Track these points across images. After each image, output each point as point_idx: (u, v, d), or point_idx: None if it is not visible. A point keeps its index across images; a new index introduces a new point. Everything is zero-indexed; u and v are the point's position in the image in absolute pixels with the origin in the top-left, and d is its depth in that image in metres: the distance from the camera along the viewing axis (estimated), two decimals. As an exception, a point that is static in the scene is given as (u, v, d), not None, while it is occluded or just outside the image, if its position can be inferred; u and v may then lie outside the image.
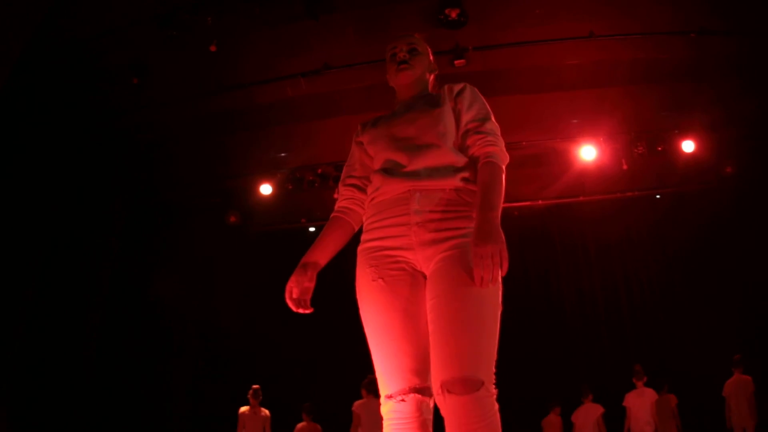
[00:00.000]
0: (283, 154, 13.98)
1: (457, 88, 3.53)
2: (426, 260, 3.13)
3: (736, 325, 13.62)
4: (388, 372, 3.05)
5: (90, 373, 12.63)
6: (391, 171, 3.30)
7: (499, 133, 3.34)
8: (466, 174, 3.22)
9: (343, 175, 3.73)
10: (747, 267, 13.71)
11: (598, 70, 11.52)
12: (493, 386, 2.84)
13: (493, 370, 2.88)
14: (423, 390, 2.99)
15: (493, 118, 3.41)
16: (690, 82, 11.85)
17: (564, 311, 15.54)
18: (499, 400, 2.88)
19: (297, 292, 3.33)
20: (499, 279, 3.00)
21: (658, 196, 15.17)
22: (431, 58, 3.77)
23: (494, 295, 2.99)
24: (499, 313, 3.01)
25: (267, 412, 12.84)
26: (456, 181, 3.19)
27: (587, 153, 12.96)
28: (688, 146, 12.79)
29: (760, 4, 9.91)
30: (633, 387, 12.85)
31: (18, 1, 8.60)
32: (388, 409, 3.03)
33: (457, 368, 2.77)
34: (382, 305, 3.12)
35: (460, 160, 3.25)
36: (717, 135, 12.94)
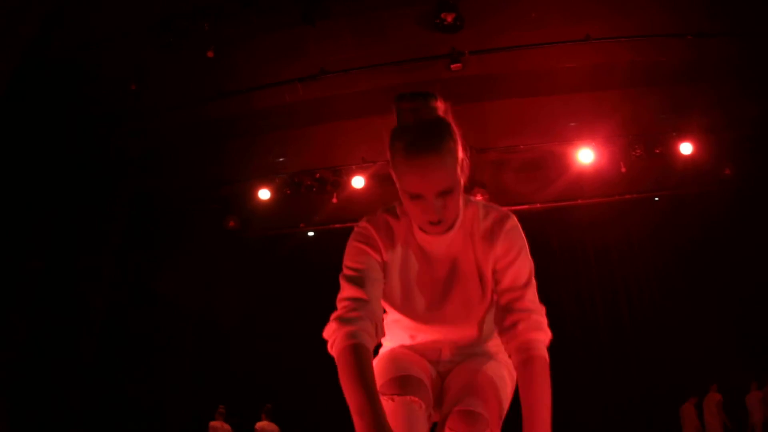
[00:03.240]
0: (281, 159, 13.99)
1: (498, 231, 2.80)
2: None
3: (736, 327, 13.63)
4: None
5: (89, 374, 12.64)
6: (415, 349, 2.99)
7: (538, 301, 2.80)
8: (496, 339, 2.93)
9: (348, 283, 2.75)
10: (747, 269, 13.69)
11: (595, 73, 11.52)
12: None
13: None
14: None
15: (533, 278, 2.81)
16: (688, 84, 11.85)
17: (563, 316, 15.47)
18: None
19: None
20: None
21: (656, 199, 15.12)
22: (460, 151, 2.65)
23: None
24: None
25: (229, 427, 14.26)
26: (488, 345, 3.02)
27: (585, 156, 12.94)
28: (686, 149, 12.76)
29: (757, 6, 9.92)
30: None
31: (16, 9, 8.61)
32: None
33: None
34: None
35: (491, 327, 2.91)
36: (715, 137, 12.91)
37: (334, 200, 13.77)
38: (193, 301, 15.28)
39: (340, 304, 2.70)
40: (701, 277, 14.55)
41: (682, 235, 14.71)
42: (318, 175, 13.67)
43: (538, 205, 14.70)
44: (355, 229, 2.88)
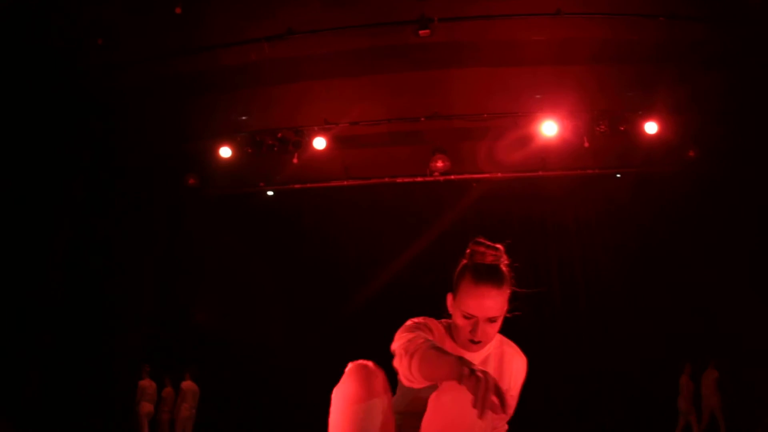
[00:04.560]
0: (243, 118, 13.89)
1: (517, 366, 3.67)
2: None
3: (694, 308, 13.73)
4: None
5: (50, 343, 12.56)
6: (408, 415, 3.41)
7: None
8: None
9: (409, 332, 3.31)
10: (708, 250, 13.79)
11: (564, 47, 11.51)
12: None
13: None
14: None
15: None
16: (656, 64, 11.89)
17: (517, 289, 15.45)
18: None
19: None
20: None
21: (618, 176, 15.15)
22: (509, 292, 3.54)
23: None
24: None
25: (155, 384, 14.92)
26: None
27: (548, 128, 12.95)
28: (651, 128, 12.82)
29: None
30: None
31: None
32: None
33: None
34: None
35: None
36: (681, 118, 12.97)
37: (295, 161, 13.69)
38: (150, 257, 15.20)
39: (404, 339, 3.20)
40: (658, 257, 14.67)
41: (642, 213, 14.79)
42: (280, 135, 13.57)
43: (499, 175, 14.72)
44: (417, 319, 3.48)
